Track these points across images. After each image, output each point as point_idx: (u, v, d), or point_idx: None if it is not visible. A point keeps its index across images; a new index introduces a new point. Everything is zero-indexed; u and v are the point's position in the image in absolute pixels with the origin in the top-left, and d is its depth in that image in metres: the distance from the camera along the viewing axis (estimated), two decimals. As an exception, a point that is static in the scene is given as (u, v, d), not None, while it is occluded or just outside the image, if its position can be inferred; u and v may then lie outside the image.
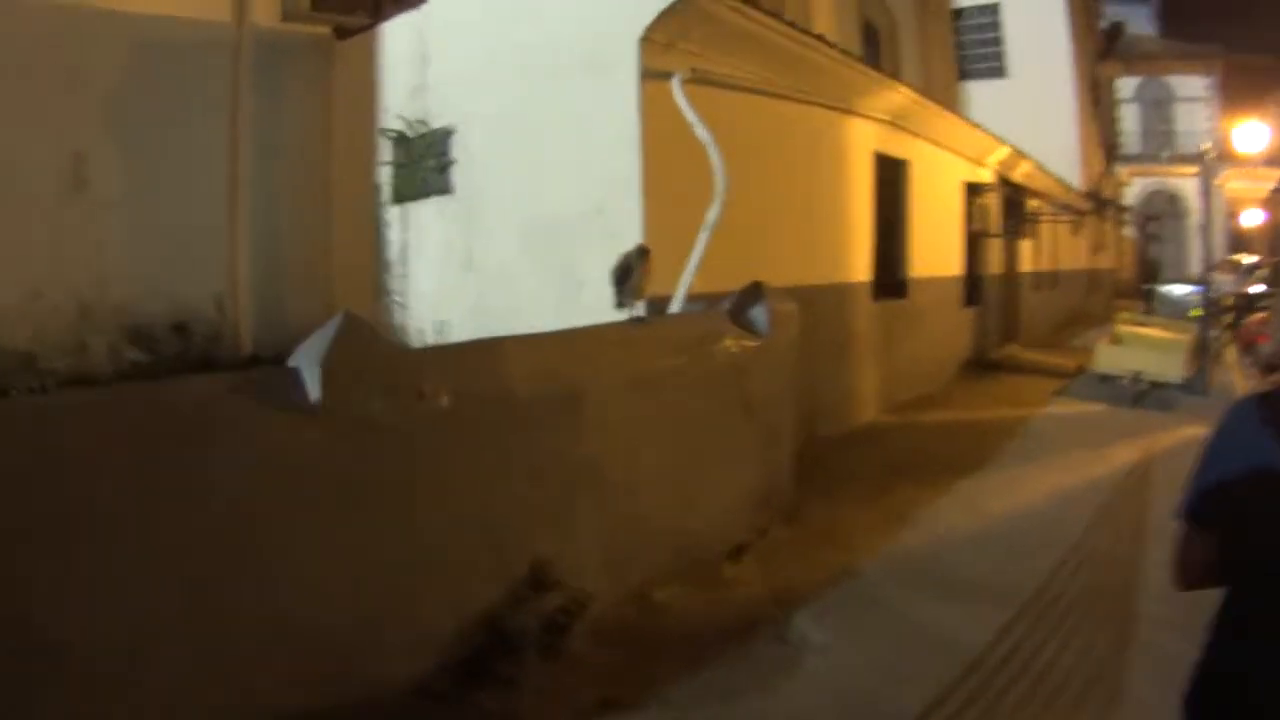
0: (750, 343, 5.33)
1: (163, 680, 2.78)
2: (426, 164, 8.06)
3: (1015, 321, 14.36)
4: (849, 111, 8.05)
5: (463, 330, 7.47)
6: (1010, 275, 14.06)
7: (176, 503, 2.82)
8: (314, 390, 3.17)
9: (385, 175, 8.49)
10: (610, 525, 4.39)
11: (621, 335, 4.78)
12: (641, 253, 4.89)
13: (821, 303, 7.49)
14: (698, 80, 5.83)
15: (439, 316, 8.04)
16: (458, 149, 7.70)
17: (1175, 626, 3.73)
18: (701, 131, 5.62)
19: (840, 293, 8.11)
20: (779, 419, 5.58)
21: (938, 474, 6.53)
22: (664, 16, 5.56)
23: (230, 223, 8.89)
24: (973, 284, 12.01)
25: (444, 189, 7.87)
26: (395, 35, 8.36)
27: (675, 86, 5.65)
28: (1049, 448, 7.65)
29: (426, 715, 3.38)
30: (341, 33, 9.13)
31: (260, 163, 8.85)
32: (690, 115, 5.63)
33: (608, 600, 4.22)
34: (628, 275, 4.88)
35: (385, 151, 8.46)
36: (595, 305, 5.95)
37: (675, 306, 5.74)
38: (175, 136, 8.38)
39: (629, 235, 6.02)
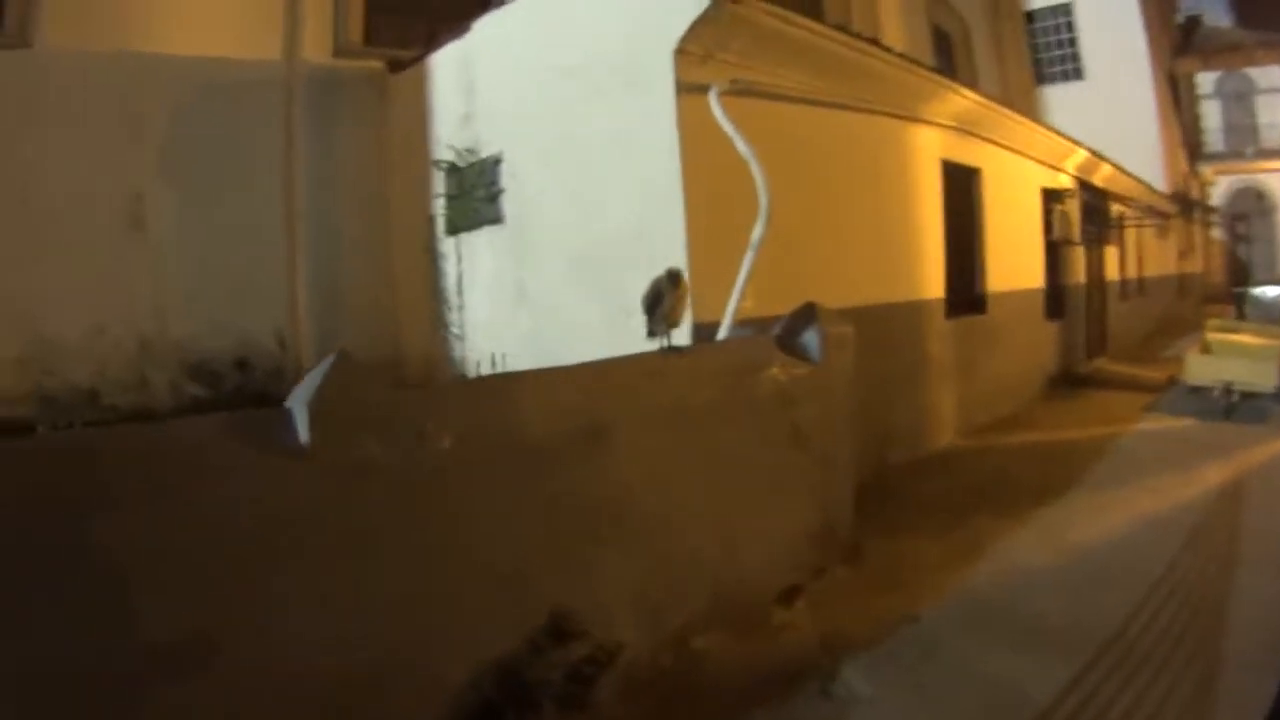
0: (800, 370, 4.87)
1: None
2: (477, 194, 7.81)
3: (1102, 333, 13.42)
4: (913, 119, 7.50)
5: (518, 362, 7.19)
6: (1095, 284, 13.14)
7: (161, 542, 2.72)
8: (303, 432, 3.04)
9: (440, 206, 8.27)
10: (641, 569, 4.05)
11: (651, 367, 4.37)
12: (672, 278, 4.48)
13: (891, 322, 7.00)
14: (739, 92, 5.39)
15: (495, 348, 7.76)
16: (506, 177, 7.42)
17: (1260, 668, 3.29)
18: (742, 145, 5.19)
19: (911, 311, 7.54)
20: (835, 450, 5.09)
21: (1016, 502, 5.93)
22: (698, 26, 5.15)
23: (289, 258, 8.82)
24: (1055, 295, 11.20)
25: (495, 218, 7.59)
26: (444, 65, 8.16)
27: (712, 99, 5.23)
28: (1137, 468, 6.93)
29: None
30: (395, 66, 8.99)
31: (317, 197, 8.77)
32: (729, 128, 5.21)
33: (641, 648, 3.90)
34: (658, 302, 4.48)
35: (440, 183, 8.24)
36: (644, 333, 5.61)
37: (723, 333, 5.32)
38: (232, 174, 8.34)
39: (672, 258, 5.62)
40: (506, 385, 3.91)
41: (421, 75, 8.48)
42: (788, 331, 5.00)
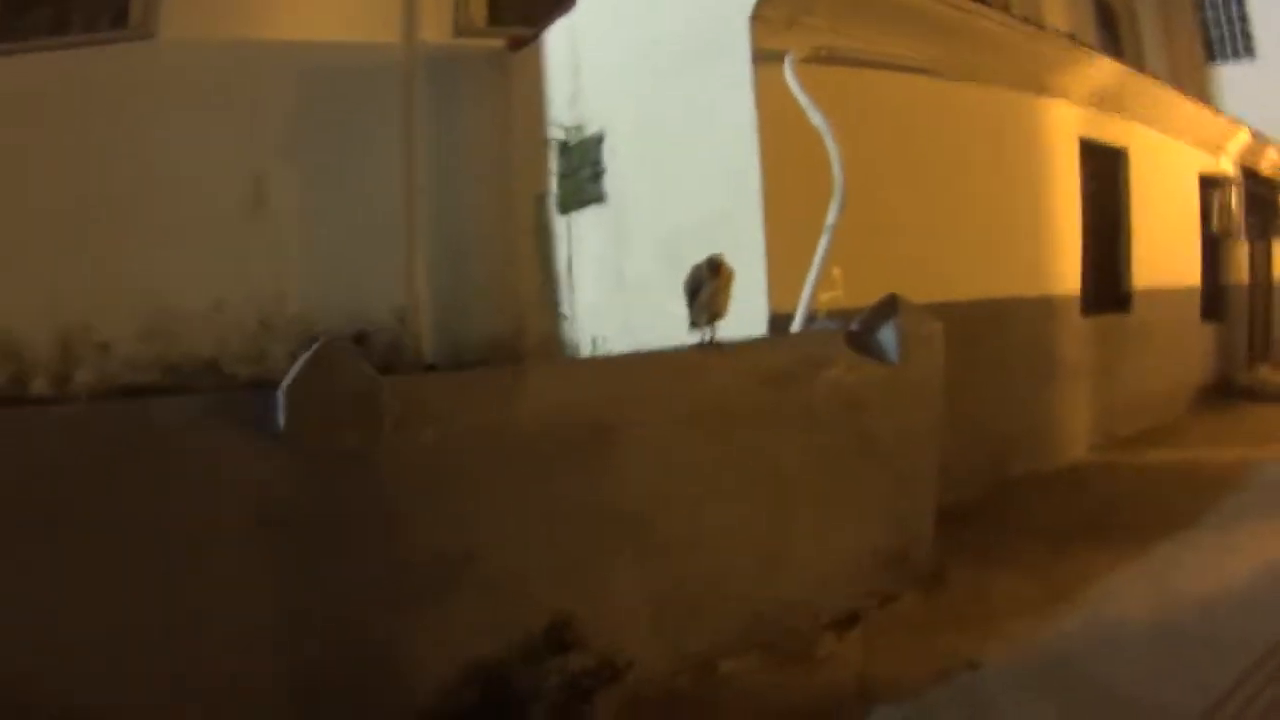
0: (873, 371, 4.20)
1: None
2: (583, 173, 7.39)
3: (1267, 339, 11.59)
4: (1044, 92, 6.53)
5: (616, 347, 6.79)
6: (1260, 284, 11.36)
7: (134, 513, 2.77)
8: (281, 417, 2.98)
9: (552, 185, 7.93)
10: (659, 585, 3.61)
11: (683, 364, 3.86)
12: (712, 265, 3.93)
13: (1012, 319, 6.13)
14: (825, 60, 4.73)
15: (597, 331, 7.38)
16: (608, 155, 6.97)
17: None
18: (817, 118, 4.54)
19: (1039, 307, 6.58)
20: (915, 464, 4.37)
21: (1133, 533, 4.99)
22: (776, -12, 4.54)
23: (408, 236, 8.68)
24: (1213, 295, 9.74)
25: (598, 198, 7.15)
26: (555, 41, 7.75)
27: (786, 67, 4.59)
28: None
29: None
30: (515, 44, 8.69)
31: (437, 176, 8.57)
32: (803, 99, 4.56)
33: (655, 667, 3.53)
34: (698, 291, 3.96)
35: (552, 161, 7.90)
36: (734, 317, 5.10)
37: (796, 325, 4.71)
38: (352, 155, 8.24)
39: (751, 243, 5.07)
40: (502, 378, 3.72)
41: (537, 52, 8.12)
42: (864, 327, 4.34)
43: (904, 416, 4.30)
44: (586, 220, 7.39)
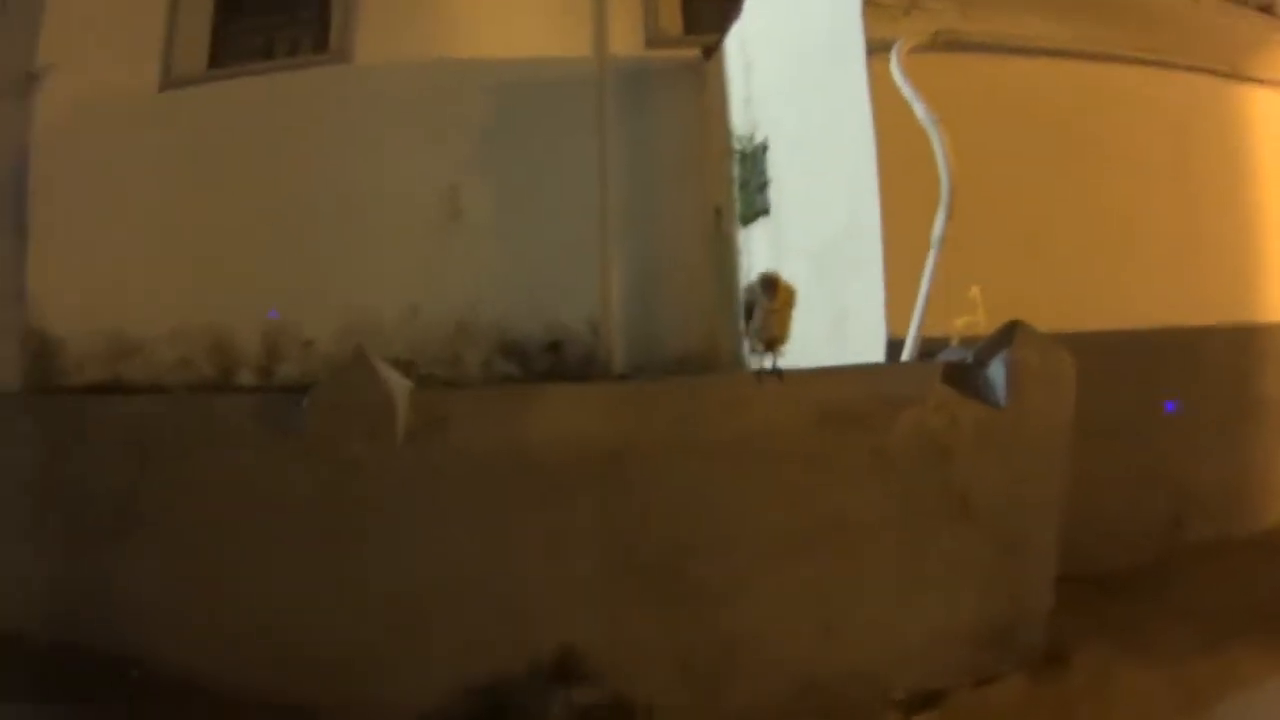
0: (972, 414, 3.40)
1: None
2: (753, 183, 6.90)
3: None
4: (1242, 78, 5.17)
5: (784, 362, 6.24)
6: None
7: (172, 498, 3.28)
8: (303, 424, 3.19)
9: (732, 195, 7.47)
10: (689, 632, 3.28)
11: (728, 394, 3.32)
12: (767, 285, 3.34)
13: (1206, 349, 4.86)
14: (947, 46, 3.94)
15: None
16: (771, 165, 6.42)
17: None
18: (921, 110, 3.76)
19: (1239, 335, 5.17)
20: (1027, 527, 3.48)
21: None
22: (891, -33, 3.80)
23: (602, 247, 8.54)
24: None
25: (764, 209, 6.63)
26: (730, 47, 7.27)
27: (893, 56, 3.85)
28: None
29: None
30: (708, 51, 8.29)
31: (630, 188, 8.33)
32: (908, 90, 3.80)
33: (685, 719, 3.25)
34: (750, 314, 3.38)
35: (733, 170, 7.44)
36: (860, 341, 4.45)
37: (907, 354, 3.95)
38: (546, 166, 8.17)
39: (869, 258, 4.37)
40: (516, 398, 3.52)
41: (720, 60, 7.69)
42: (975, 360, 3.53)
43: (1013, 470, 3.45)
44: (757, 232, 6.86)
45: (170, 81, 7.48)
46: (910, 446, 3.32)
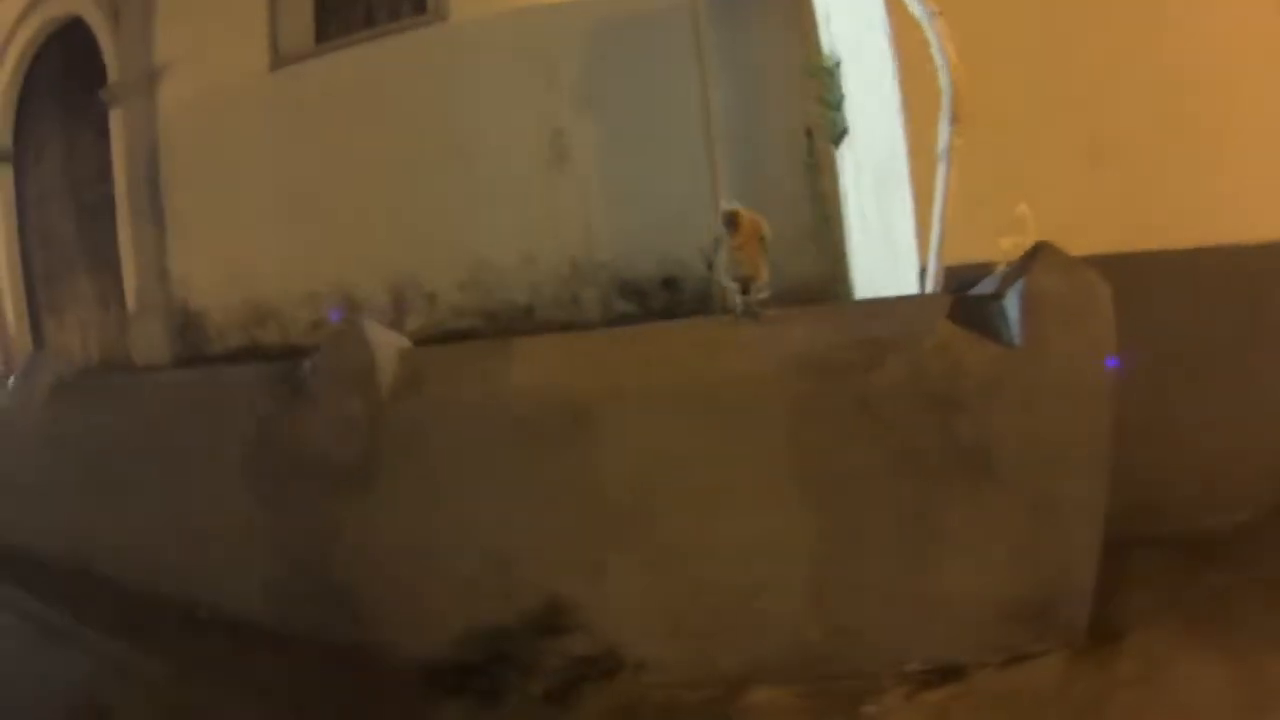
0: (978, 356, 2.84)
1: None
2: (834, 102, 6.24)
3: None
4: None
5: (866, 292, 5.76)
6: None
7: (203, 451, 3.64)
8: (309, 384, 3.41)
9: (819, 116, 6.81)
10: (673, 587, 3.10)
11: (699, 339, 2.99)
12: (729, 220, 2.95)
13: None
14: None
15: (862, 278, 6.26)
16: (846, 82, 5.79)
17: None
18: (915, 4, 3.12)
19: None
20: (1062, 483, 2.88)
21: None
22: None
23: (710, 179, 8.11)
24: None
25: (845, 130, 6.02)
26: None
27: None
28: None
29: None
30: (808, -38, 7.53)
31: (732, 116, 7.77)
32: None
33: (677, 674, 3.07)
34: (716, 252, 2.99)
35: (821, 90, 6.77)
36: (908, 269, 3.95)
37: (929, 285, 3.38)
38: (647, 102, 7.78)
39: (898, 176, 3.80)
40: (489, 353, 3.48)
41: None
42: (994, 293, 2.95)
43: (1037, 420, 2.86)
44: (841, 155, 6.29)
45: (280, 60, 7.65)
46: (903, 394, 2.83)
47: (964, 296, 2.95)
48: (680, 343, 3.08)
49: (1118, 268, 3.01)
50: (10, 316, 8.86)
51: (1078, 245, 3.12)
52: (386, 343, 3.44)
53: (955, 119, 3.16)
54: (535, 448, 3.16)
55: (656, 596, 3.12)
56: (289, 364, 3.56)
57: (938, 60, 3.14)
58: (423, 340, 8.01)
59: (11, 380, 4.36)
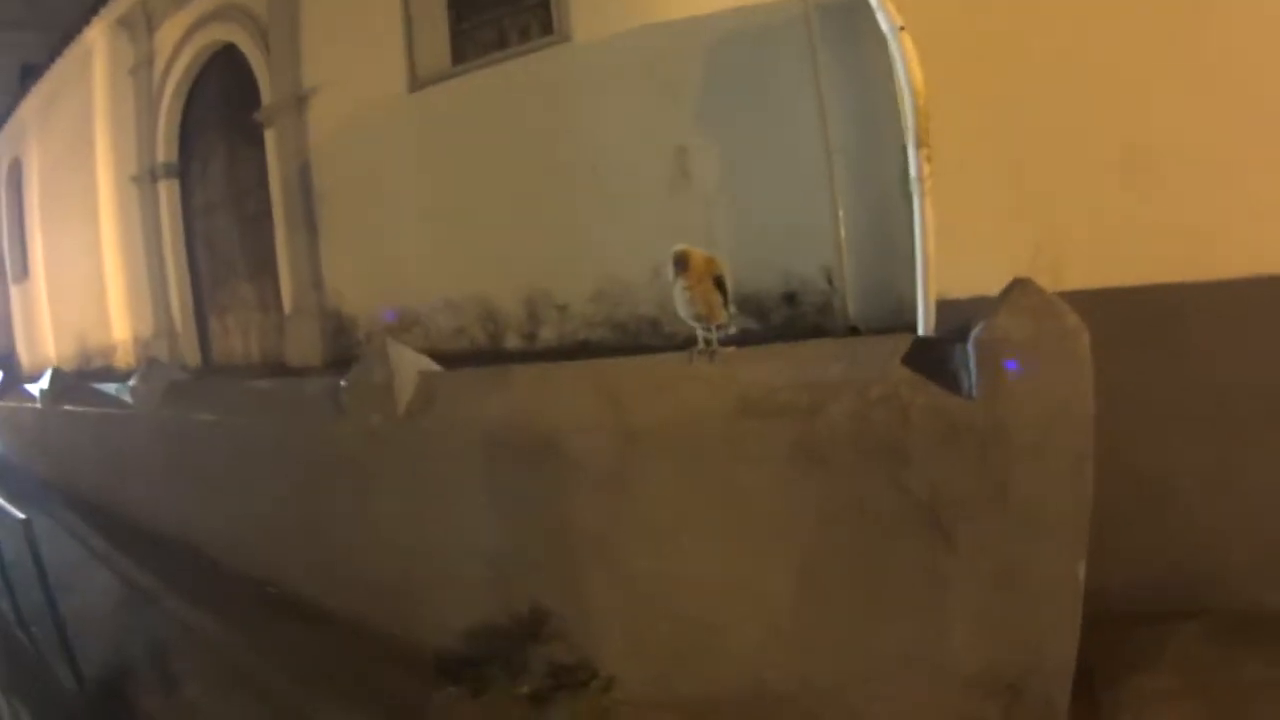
0: (928, 405, 2.48)
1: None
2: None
3: None
4: None
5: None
6: None
7: (273, 449, 4.14)
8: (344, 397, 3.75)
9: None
10: (637, 612, 3.06)
11: (655, 377, 3.00)
12: (678, 261, 2.75)
13: None
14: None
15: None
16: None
17: None
18: (883, 19, 2.90)
19: None
20: (1034, 550, 2.50)
21: None
22: None
23: (829, 194, 7.74)
24: None
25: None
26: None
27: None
28: None
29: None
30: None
31: (849, 130, 7.39)
32: None
33: (643, 694, 3.02)
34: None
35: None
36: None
37: (921, 324, 3.00)
38: (767, 117, 7.54)
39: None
40: (484, 380, 3.59)
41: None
42: (955, 336, 2.57)
43: (997, 478, 2.48)
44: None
45: (419, 82, 7.94)
46: (844, 442, 2.55)
47: (924, 339, 2.64)
48: (637, 379, 2.97)
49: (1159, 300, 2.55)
50: (178, 317, 9.54)
51: (1109, 274, 2.68)
52: (408, 364, 3.66)
53: (921, 143, 2.78)
54: (513, 468, 3.24)
55: (621, 618, 3.08)
56: (332, 383, 3.82)
57: (901, 81, 2.79)
58: (554, 351, 8.23)
59: (132, 382, 4.93)
